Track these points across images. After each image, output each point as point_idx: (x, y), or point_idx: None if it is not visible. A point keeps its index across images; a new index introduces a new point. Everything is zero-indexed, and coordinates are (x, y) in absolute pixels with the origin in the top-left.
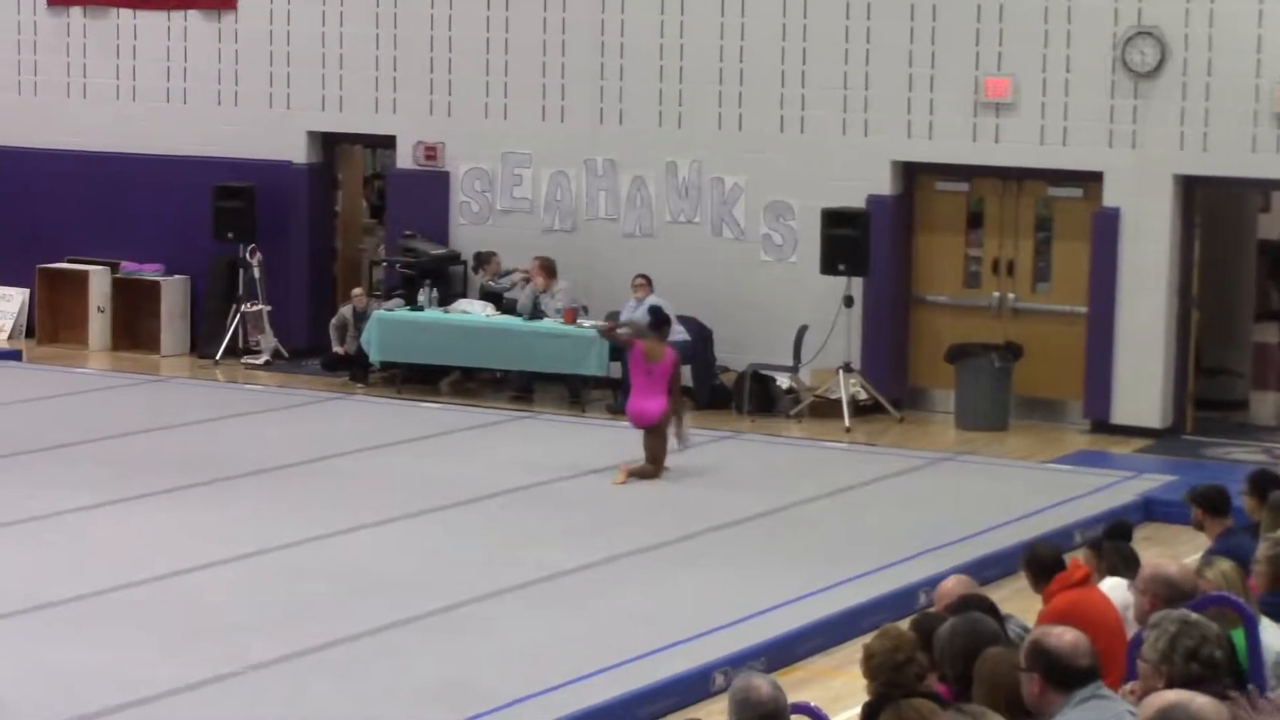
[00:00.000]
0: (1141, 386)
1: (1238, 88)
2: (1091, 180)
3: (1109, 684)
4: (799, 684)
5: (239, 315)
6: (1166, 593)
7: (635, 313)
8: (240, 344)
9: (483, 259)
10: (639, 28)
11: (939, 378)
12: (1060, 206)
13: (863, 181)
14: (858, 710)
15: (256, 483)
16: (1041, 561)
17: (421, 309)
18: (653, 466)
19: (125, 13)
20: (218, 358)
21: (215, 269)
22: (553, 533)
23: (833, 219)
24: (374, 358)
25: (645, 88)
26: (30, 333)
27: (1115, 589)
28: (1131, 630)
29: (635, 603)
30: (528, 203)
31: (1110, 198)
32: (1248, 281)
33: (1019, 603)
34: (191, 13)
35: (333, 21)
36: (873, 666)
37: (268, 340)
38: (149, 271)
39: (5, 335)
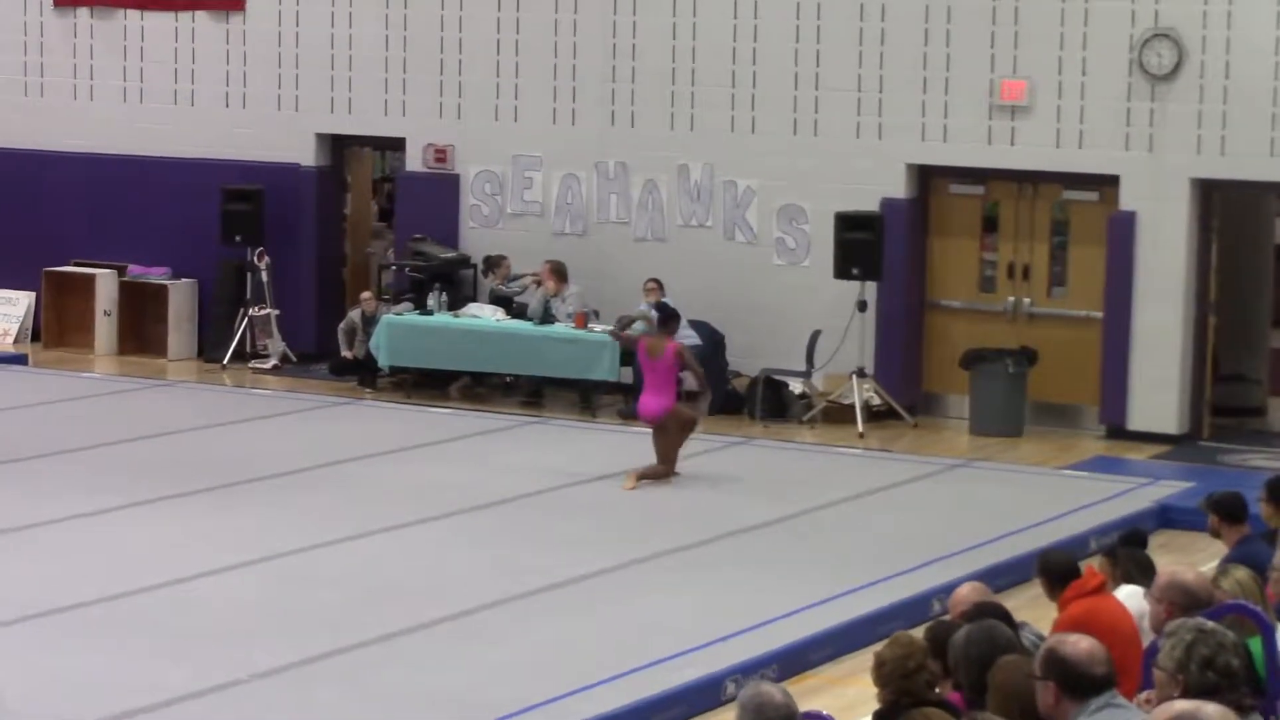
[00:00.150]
0: (1158, 392)
1: (1256, 90)
2: (1108, 184)
3: (1124, 693)
4: (811, 692)
5: (246, 319)
6: (1183, 601)
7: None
8: (248, 348)
9: (492, 263)
10: (650, 29)
11: (953, 383)
12: (1076, 210)
13: (877, 185)
14: (869, 718)
15: (264, 488)
16: (1056, 569)
17: (431, 313)
18: (663, 466)
19: (132, 14)
20: (225, 362)
21: (223, 272)
22: (563, 539)
23: (846, 223)
24: (383, 362)
25: (657, 90)
26: (36, 336)
27: (1131, 597)
28: (1147, 638)
29: (646, 610)
30: (538, 206)
31: (1127, 201)
32: (1265, 286)
33: (1034, 610)
34: (199, 14)
35: (342, 23)
36: (884, 674)
37: (275, 344)
38: (156, 275)
39: (11, 339)
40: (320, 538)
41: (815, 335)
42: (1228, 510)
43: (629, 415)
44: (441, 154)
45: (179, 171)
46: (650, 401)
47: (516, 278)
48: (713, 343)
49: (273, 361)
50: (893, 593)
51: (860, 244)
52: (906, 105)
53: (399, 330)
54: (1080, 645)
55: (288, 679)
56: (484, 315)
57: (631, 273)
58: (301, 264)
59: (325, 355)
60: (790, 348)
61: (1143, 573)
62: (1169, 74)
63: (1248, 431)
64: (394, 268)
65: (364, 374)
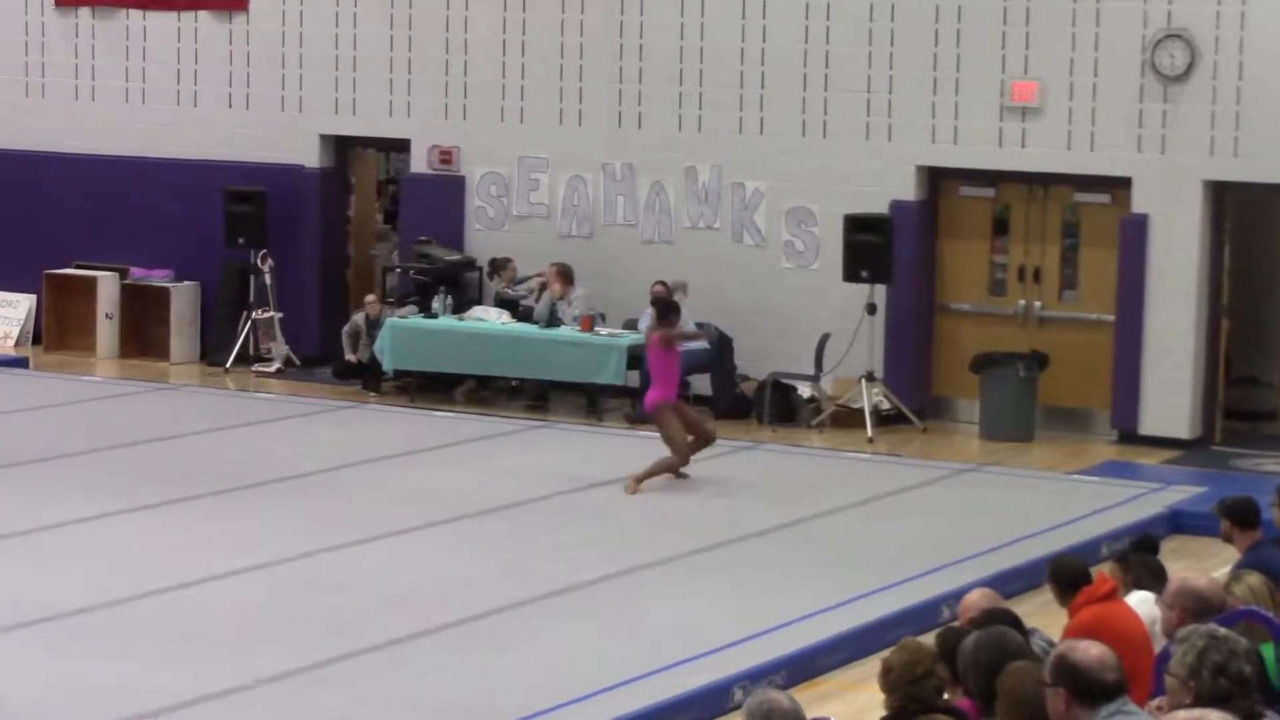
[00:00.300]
0: (1170, 396)
1: (1269, 91)
2: (1119, 186)
3: (1136, 699)
4: (820, 698)
5: (250, 322)
6: (1195, 606)
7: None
8: (251, 351)
9: (498, 265)
10: (658, 30)
11: (963, 387)
12: (1088, 212)
13: (886, 187)
14: None
15: (267, 493)
16: (1067, 574)
17: (436, 316)
18: (674, 458)
19: (134, 13)
20: (228, 365)
21: (226, 275)
22: (570, 544)
23: (855, 225)
24: (387, 366)
25: (664, 91)
26: (37, 339)
27: (1142, 603)
28: (1159, 645)
29: (653, 616)
30: (544, 208)
31: (1139, 204)
32: (1279, 289)
33: (1044, 617)
34: (202, 14)
35: (346, 23)
36: (891, 680)
37: (279, 348)
38: (158, 277)
39: (12, 342)
40: (324, 542)
41: (824, 339)
42: (1240, 515)
43: (636, 419)
44: (446, 155)
45: (181, 173)
46: (648, 394)
47: (522, 280)
48: (720, 346)
49: (276, 365)
50: (902, 598)
51: (869, 246)
52: (916, 106)
53: (403, 333)
54: (1091, 651)
55: (292, 685)
56: (489, 318)
57: (638, 275)
58: (305, 266)
59: (329, 359)
60: (799, 351)
61: (1154, 578)
62: (1181, 75)
63: (1261, 436)
64: (398, 270)
65: (368, 377)
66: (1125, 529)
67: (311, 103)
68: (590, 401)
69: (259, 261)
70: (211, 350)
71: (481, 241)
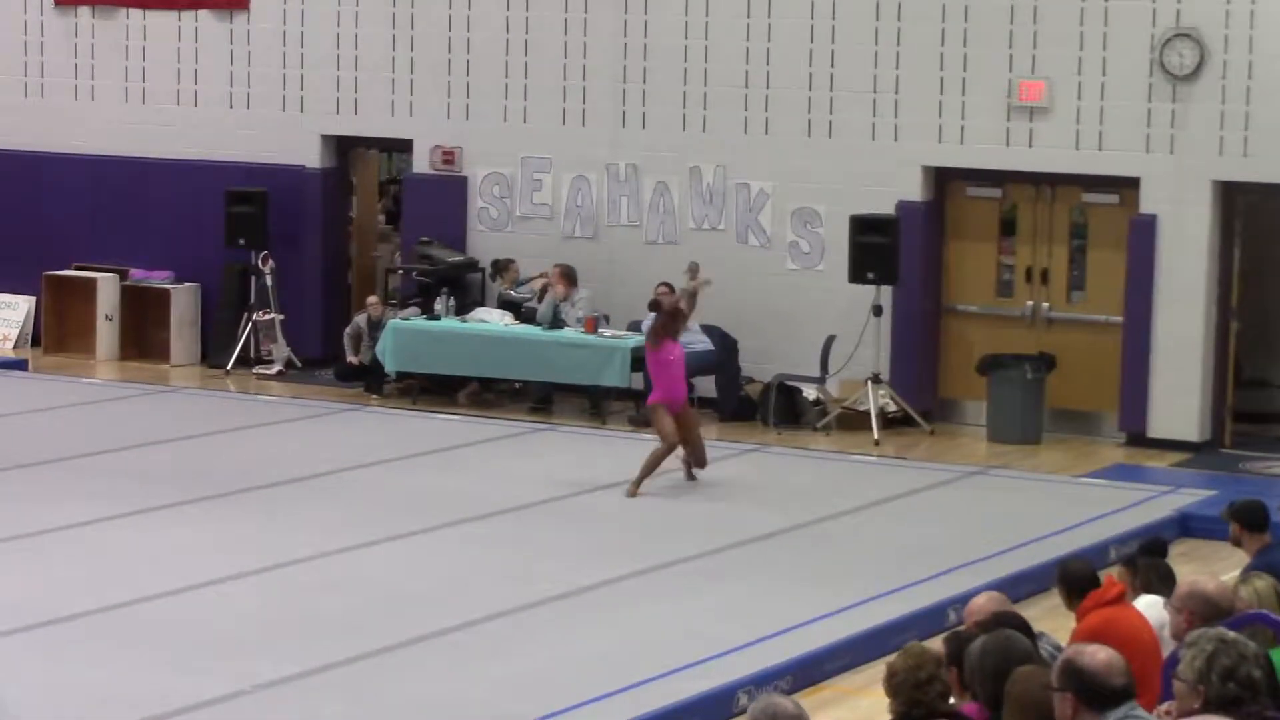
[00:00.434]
0: (1179, 399)
1: (1279, 91)
2: (1128, 186)
3: (1144, 704)
4: (825, 703)
5: (251, 324)
6: (1204, 611)
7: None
8: (252, 353)
9: (500, 266)
10: (662, 29)
11: (970, 389)
12: (1096, 213)
13: (892, 187)
14: None
15: (268, 496)
16: (1075, 578)
17: (438, 318)
18: (661, 446)
19: (134, 13)
20: (229, 368)
21: (226, 276)
22: (572, 548)
23: (861, 226)
24: (389, 368)
25: (669, 90)
26: (36, 341)
27: (1151, 607)
28: (1167, 649)
29: (657, 620)
30: (548, 209)
31: (1147, 204)
32: None
33: (1052, 621)
34: (202, 13)
35: (348, 22)
36: (894, 685)
37: (280, 350)
38: (158, 279)
39: (10, 344)
40: (325, 546)
41: (830, 340)
42: (1249, 519)
43: (640, 421)
44: (449, 155)
45: (182, 173)
46: (649, 397)
47: (525, 281)
48: (725, 348)
49: (277, 367)
50: (908, 603)
51: (876, 247)
52: (923, 106)
53: (405, 335)
54: (1099, 656)
55: (292, 690)
56: (492, 320)
57: (642, 276)
58: (306, 268)
59: (330, 361)
60: (804, 353)
61: (1163, 582)
62: (1190, 74)
63: (1271, 438)
64: (400, 271)
65: (370, 380)
66: (1133, 532)
67: (313, 103)
68: (594, 404)
69: (260, 263)
70: (212, 352)
71: (484, 242)
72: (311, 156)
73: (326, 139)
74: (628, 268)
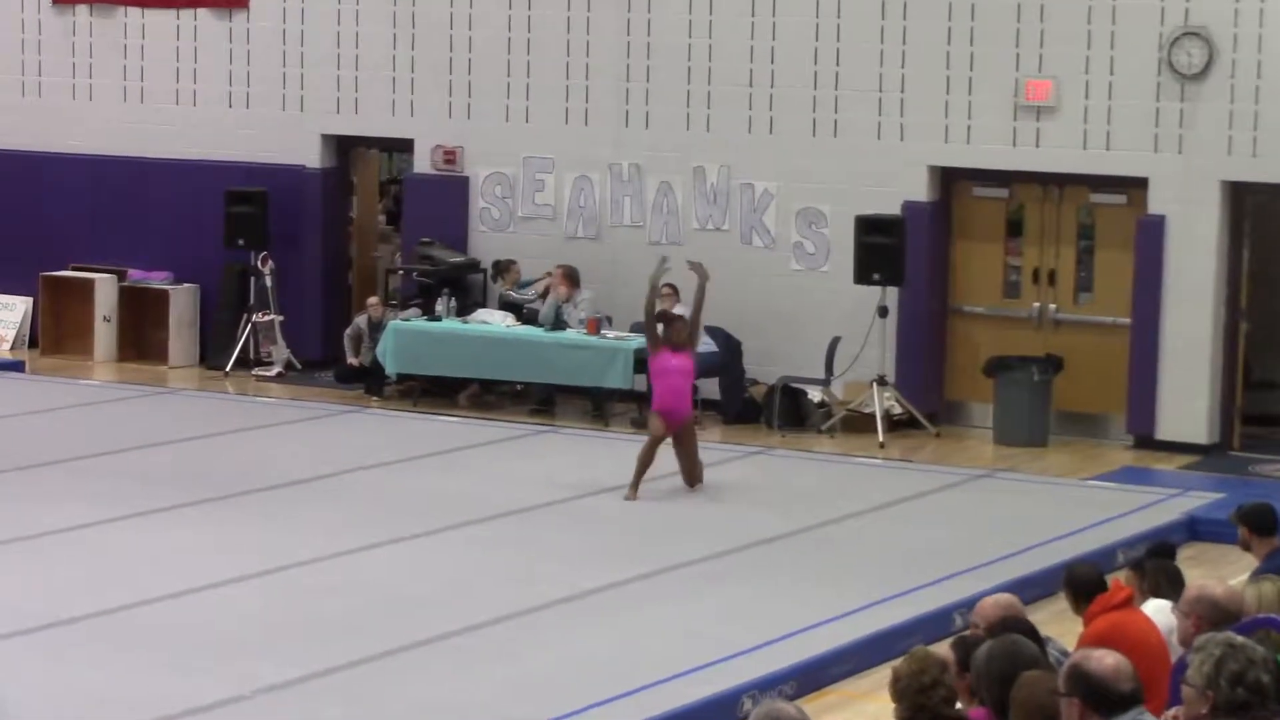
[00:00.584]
0: (1187, 401)
1: None
2: (1136, 186)
3: (1152, 709)
4: (830, 708)
5: (250, 325)
6: (1212, 615)
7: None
8: (251, 355)
9: (502, 267)
10: (665, 27)
11: (977, 391)
12: (1103, 214)
13: (898, 187)
14: None
15: (268, 499)
16: (1082, 582)
17: (439, 319)
18: (647, 441)
19: (133, 12)
20: (228, 369)
21: (226, 277)
22: (575, 551)
23: (867, 226)
24: (390, 370)
25: (672, 89)
26: (33, 343)
27: (1159, 611)
28: (1175, 654)
29: (661, 624)
30: (550, 209)
31: (1155, 205)
32: None
33: (1059, 625)
34: (201, 11)
35: (348, 20)
36: (899, 689)
37: (280, 351)
38: (157, 280)
39: (8, 345)
40: (326, 549)
41: (835, 342)
42: (1258, 522)
43: (642, 424)
44: (450, 155)
45: (181, 173)
46: None
47: (527, 283)
48: (729, 350)
49: (277, 369)
50: (913, 607)
51: (881, 248)
52: (929, 105)
53: (406, 336)
54: (1106, 661)
55: (293, 694)
56: (494, 321)
57: (645, 277)
58: (306, 268)
59: (330, 362)
60: (809, 355)
61: (1171, 586)
62: (1199, 73)
63: (1279, 441)
64: (401, 272)
65: (370, 381)
66: (1141, 536)
67: (313, 102)
68: (596, 406)
69: (259, 263)
70: (211, 354)
71: (485, 243)
72: (312, 156)
73: (327, 139)
74: (630, 269)
